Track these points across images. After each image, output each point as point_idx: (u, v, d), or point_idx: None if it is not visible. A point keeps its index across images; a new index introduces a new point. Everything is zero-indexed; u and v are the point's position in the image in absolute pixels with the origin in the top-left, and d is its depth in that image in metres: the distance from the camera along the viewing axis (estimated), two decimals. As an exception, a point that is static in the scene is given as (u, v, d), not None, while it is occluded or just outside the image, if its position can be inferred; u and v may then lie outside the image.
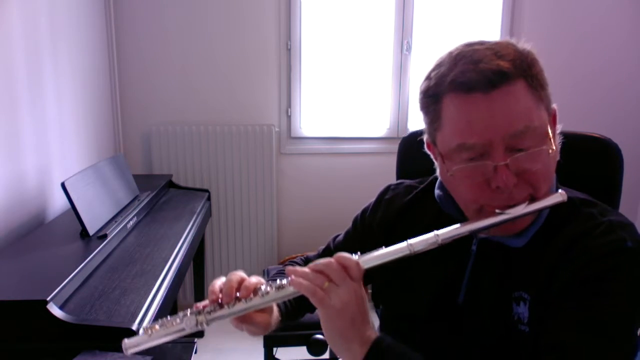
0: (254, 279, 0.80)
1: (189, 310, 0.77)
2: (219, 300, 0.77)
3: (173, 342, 1.13)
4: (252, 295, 0.76)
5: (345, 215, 1.15)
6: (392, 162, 1.26)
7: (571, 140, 0.85)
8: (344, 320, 0.71)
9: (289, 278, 0.75)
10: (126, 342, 0.76)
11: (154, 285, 1.36)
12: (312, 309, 1.00)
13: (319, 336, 1.79)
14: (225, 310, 0.76)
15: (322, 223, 2.79)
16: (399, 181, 1.05)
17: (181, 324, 0.76)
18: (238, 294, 0.77)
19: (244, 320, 0.82)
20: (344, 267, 0.73)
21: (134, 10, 2.56)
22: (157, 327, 0.76)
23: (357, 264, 0.74)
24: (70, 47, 2.09)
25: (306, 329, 1.82)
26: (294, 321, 1.00)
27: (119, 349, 1.08)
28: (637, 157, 2.17)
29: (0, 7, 1.59)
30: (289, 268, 0.76)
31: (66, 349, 1.08)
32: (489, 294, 0.81)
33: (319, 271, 0.73)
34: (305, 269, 0.74)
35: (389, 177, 1.18)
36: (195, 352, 1.13)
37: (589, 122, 1.61)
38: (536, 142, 0.74)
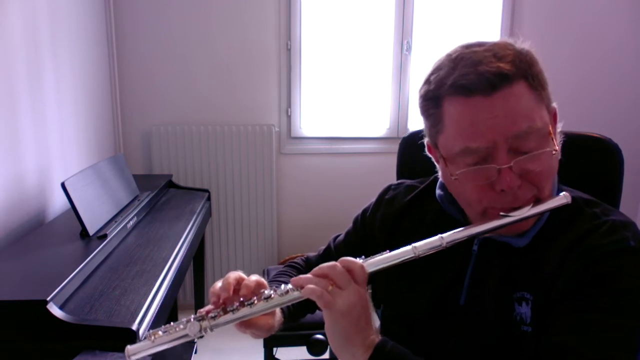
0: (254, 277, 0.80)
1: (192, 316, 0.77)
2: (221, 303, 0.77)
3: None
4: (255, 300, 0.76)
5: (345, 215, 1.15)
6: (392, 162, 1.26)
7: (571, 140, 0.85)
8: (349, 323, 0.71)
9: (293, 284, 0.75)
10: (129, 348, 0.76)
11: (154, 285, 1.36)
12: (312, 309, 1.00)
13: (319, 336, 1.79)
14: (229, 316, 0.76)
15: (322, 223, 2.79)
16: (399, 181, 1.05)
17: (184, 330, 0.75)
18: (242, 299, 0.77)
19: (248, 325, 0.82)
20: (349, 270, 0.73)
21: (134, 10, 2.56)
22: (160, 332, 0.76)
23: (362, 267, 0.74)
24: (70, 47, 2.09)
25: (306, 329, 1.82)
26: (296, 322, 1.00)
27: (119, 349, 1.08)
28: (637, 157, 2.16)
29: (0, 7, 1.58)
30: (293, 278, 0.75)
31: (66, 349, 1.08)
32: (491, 294, 0.81)
33: (323, 275, 0.73)
34: (309, 275, 0.74)
35: (389, 177, 1.18)
36: (195, 352, 1.13)
37: (589, 122, 1.61)
38: (539, 143, 0.73)
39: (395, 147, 1.25)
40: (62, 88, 2.01)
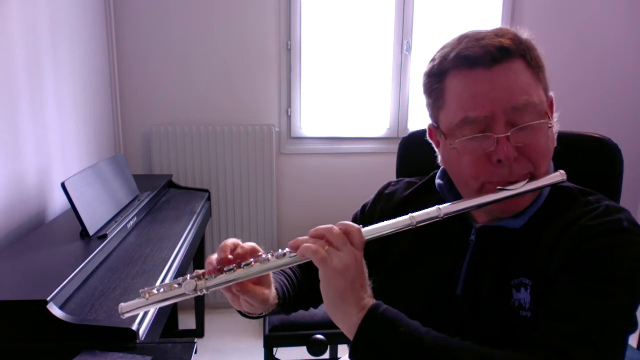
0: (250, 244, 0.81)
1: (188, 275, 0.77)
2: (219, 268, 0.77)
3: (173, 342, 1.14)
4: (252, 262, 0.76)
5: (345, 215, 1.15)
6: (392, 162, 1.26)
7: (571, 140, 0.86)
8: (343, 282, 0.71)
9: (290, 246, 0.75)
10: (122, 305, 0.75)
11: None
12: (307, 305, 1.00)
13: (319, 336, 1.79)
14: (224, 276, 0.75)
15: (322, 223, 2.74)
16: (399, 178, 1.06)
17: (180, 288, 0.75)
18: (238, 261, 0.77)
19: (243, 290, 0.81)
20: (346, 232, 0.74)
21: (134, 10, 2.56)
22: (154, 291, 0.76)
23: (359, 230, 0.75)
24: (70, 47, 2.09)
25: (306, 329, 1.82)
26: (288, 313, 0.99)
27: (119, 349, 1.08)
28: (637, 156, 2.17)
29: (0, 7, 1.59)
30: (291, 241, 0.76)
31: (66, 349, 1.08)
32: (487, 282, 0.82)
33: (320, 236, 0.74)
34: (306, 237, 0.75)
35: (389, 177, 1.18)
36: (196, 352, 1.13)
37: (588, 121, 1.61)
38: (536, 119, 0.77)
39: (395, 147, 1.25)
40: (62, 88, 2.01)
